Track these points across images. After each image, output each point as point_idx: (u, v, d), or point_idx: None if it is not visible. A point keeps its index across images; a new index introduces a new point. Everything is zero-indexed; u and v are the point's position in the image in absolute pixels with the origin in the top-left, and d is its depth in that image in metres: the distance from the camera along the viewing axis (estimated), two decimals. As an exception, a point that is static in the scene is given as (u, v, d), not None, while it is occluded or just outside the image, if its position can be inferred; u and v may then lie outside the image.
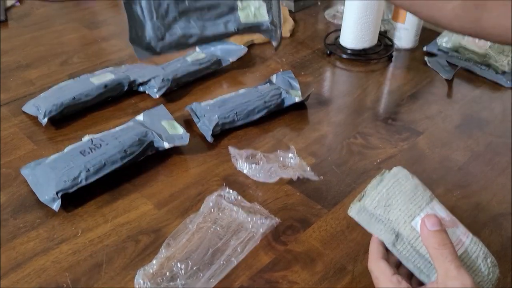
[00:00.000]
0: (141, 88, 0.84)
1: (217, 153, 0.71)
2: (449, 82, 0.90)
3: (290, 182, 0.66)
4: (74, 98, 0.76)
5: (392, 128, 0.78)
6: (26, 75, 0.89)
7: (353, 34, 0.96)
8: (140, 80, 0.82)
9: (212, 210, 0.59)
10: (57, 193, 0.60)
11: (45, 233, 0.58)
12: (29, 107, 0.78)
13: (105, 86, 0.80)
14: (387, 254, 0.46)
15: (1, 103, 0.81)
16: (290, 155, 0.69)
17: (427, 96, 0.86)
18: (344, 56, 0.98)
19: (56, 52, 0.97)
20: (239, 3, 0.52)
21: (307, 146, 0.73)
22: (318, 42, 1.03)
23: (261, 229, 0.57)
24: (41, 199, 0.61)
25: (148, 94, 0.83)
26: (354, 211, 0.46)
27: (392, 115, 0.81)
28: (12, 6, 1.17)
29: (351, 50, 0.98)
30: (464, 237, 0.43)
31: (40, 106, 0.75)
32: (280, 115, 0.80)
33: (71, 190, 0.61)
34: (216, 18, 0.52)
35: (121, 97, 0.83)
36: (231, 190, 0.62)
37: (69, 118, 0.77)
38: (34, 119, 0.77)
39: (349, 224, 0.60)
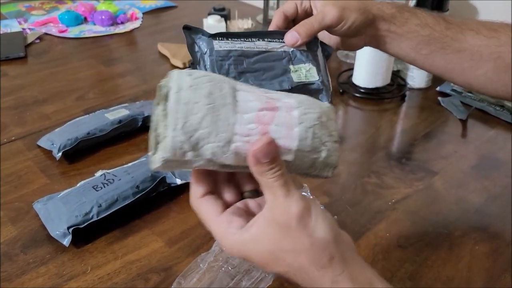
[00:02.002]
0: (155, 124, 0.84)
1: (230, 190, 0.71)
2: (464, 122, 0.90)
3: (303, 221, 0.65)
4: (88, 133, 0.77)
5: (406, 167, 0.77)
6: (42, 110, 0.91)
7: (366, 73, 0.97)
8: (154, 116, 0.83)
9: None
10: (68, 228, 0.59)
11: (54, 269, 0.58)
12: (44, 142, 0.78)
13: (120, 121, 0.80)
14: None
15: (17, 137, 0.82)
16: (304, 193, 0.68)
17: (441, 136, 0.86)
18: (357, 94, 0.98)
19: (72, 88, 0.99)
20: (291, 67, 0.56)
21: (321, 184, 0.72)
22: (331, 81, 1.04)
23: (273, 269, 0.56)
24: (52, 234, 0.60)
25: (161, 130, 0.83)
26: (158, 161, 0.36)
27: (406, 154, 0.81)
28: (32, 42, 1.20)
29: (364, 89, 0.99)
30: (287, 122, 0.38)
31: (55, 140, 0.76)
32: (293, 153, 0.79)
33: (82, 226, 0.60)
34: (271, 79, 0.56)
35: (134, 133, 0.83)
36: (243, 229, 0.61)
37: (82, 153, 0.77)
38: (48, 153, 0.77)
39: (364, 266, 0.58)
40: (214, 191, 0.41)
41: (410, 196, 0.70)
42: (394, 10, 0.59)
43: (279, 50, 0.58)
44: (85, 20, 1.33)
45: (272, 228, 0.37)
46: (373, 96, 0.98)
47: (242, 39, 0.57)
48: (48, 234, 0.61)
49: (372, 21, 0.58)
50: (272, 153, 0.37)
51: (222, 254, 0.57)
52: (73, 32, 1.27)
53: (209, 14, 1.18)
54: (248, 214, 0.40)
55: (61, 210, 0.61)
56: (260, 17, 1.32)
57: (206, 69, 0.55)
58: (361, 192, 0.71)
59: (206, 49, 0.56)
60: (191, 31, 0.57)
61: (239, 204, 0.41)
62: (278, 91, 0.44)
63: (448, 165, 0.78)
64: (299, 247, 0.36)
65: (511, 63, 0.54)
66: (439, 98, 0.97)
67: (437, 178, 0.75)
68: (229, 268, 0.56)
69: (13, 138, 0.82)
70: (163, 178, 0.68)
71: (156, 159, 0.36)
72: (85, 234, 0.61)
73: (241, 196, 0.42)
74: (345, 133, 0.88)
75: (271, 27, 0.60)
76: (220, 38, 0.56)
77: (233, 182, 0.43)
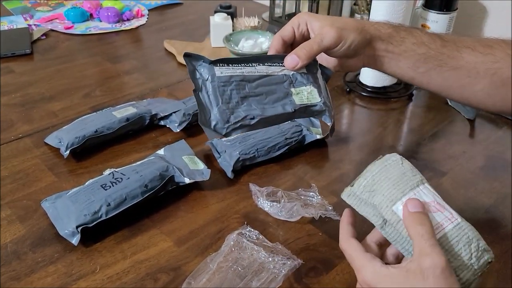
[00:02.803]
0: (162, 122, 0.84)
1: (238, 190, 0.71)
2: (471, 122, 0.89)
3: (312, 221, 0.65)
4: (96, 131, 0.77)
5: (414, 167, 0.76)
6: (49, 107, 0.91)
7: (373, 72, 0.96)
8: (161, 114, 0.83)
9: (233, 249, 0.58)
10: (77, 227, 0.59)
11: (63, 268, 0.58)
12: (52, 139, 0.78)
13: (127, 119, 0.80)
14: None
15: (24, 134, 0.82)
16: (312, 193, 0.68)
17: (449, 135, 0.85)
18: (364, 94, 0.98)
19: (79, 85, 0.99)
20: (292, 90, 0.58)
21: (329, 184, 0.72)
22: (338, 80, 1.03)
23: (283, 270, 0.56)
24: (61, 233, 0.60)
25: (169, 128, 0.83)
26: (345, 194, 0.49)
27: (414, 154, 0.80)
28: (38, 39, 1.20)
29: (371, 88, 0.98)
30: (447, 222, 0.44)
31: (63, 138, 0.75)
32: (300, 152, 0.79)
33: (91, 225, 0.60)
34: (274, 102, 0.58)
35: (142, 131, 0.83)
36: (252, 229, 0.61)
37: (90, 151, 0.77)
38: (56, 151, 0.77)
39: (374, 267, 0.58)
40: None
41: (419, 196, 0.70)
42: (391, 29, 0.60)
43: (280, 73, 0.59)
44: (91, 16, 1.33)
45: (419, 274, 0.41)
46: (380, 95, 0.98)
47: (242, 64, 0.59)
48: (57, 232, 0.61)
49: (370, 41, 0.59)
50: (424, 209, 0.44)
51: (231, 255, 0.57)
52: (79, 28, 1.27)
53: (216, 11, 1.18)
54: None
55: (69, 209, 0.61)
56: (266, 15, 1.31)
57: (208, 95, 0.56)
58: (369, 192, 0.71)
59: (207, 76, 0.57)
60: (192, 58, 0.58)
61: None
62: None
63: (456, 165, 0.77)
64: None
65: (510, 78, 0.55)
66: (447, 97, 0.96)
67: (446, 178, 0.74)
68: (239, 268, 0.56)
69: (20, 135, 0.82)
70: (172, 177, 0.68)
71: (345, 192, 0.49)
72: (93, 233, 0.61)
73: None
74: (351, 132, 0.88)
75: (270, 52, 0.61)
76: (221, 64, 0.58)
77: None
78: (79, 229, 0.59)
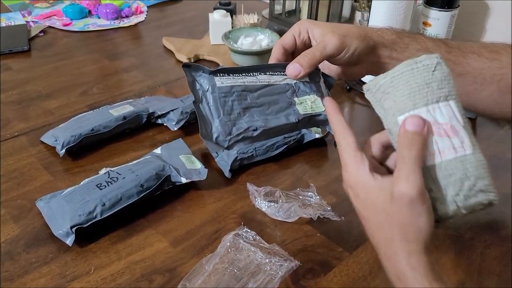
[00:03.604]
0: (159, 121, 0.83)
1: (235, 189, 0.70)
2: (473, 121, 0.88)
3: (310, 221, 0.64)
4: (92, 129, 0.76)
5: (415, 167, 0.76)
6: (46, 105, 0.90)
7: (374, 70, 0.95)
8: (159, 113, 0.82)
9: (229, 250, 0.57)
10: (71, 228, 0.58)
11: (57, 269, 0.57)
12: (48, 138, 0.77)
13: (124, 118, 0.79)
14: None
15: (20, 132, 0.81)
16: (310, 193, 0.67)
17: (450, 135, 0.84)
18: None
19: (77, 83, 0.98)
20: (296, 99, 0.57)
21: (328, 184, 0.71)
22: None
23: (280, 272, 0.55)
24: (55, 233, 0.59)
25: (166, 126, 0.82)
26: (364, 88, 0.45)
27: (415, 153, 0.79)
28: (36, 36, 1.19)
29: (372, 86, 0.97)
30: (449, 151, 0.40)
31: (59, 136, 0.75)
32: (299, 151, 0.78)
33: (85, 225, 0.59)
34: (277, 113, 0.56)
35: (139, 129, 0.82)
36: (249, 230, 0.60)
37: (86, 150, 0.76)
38: (51, 149, 0.76)
39: (372, 270, 0.57)
40: None
41: (419, 197, 0.69)
42: (394, 36, 0.59)
43: (282, 83, 0.58)
44: (89, 13, 1.32)
45: (389, 195, 0.40)
46: (381, 93, 0.97)
47: (243, 74, 0.57)
48: (51, 233, 0.60)
49: (373, 48, 0.58)
50: (423, 131, 0.40)
51: (227, 256, 0.56)
52: (77, 25, 1.26)
53: (215, 8, 1.17)
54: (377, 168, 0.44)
55: (64, 209, 0.60)
56: (266, 12, 1.30)
57: (209, 107, 0.55)
58: (369, 193, 0.70)
59: (207, 86, 0.55)
60: (191, 68, 0.56)
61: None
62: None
63: (457, 165, 0.76)
64: (402, 219, 0.40)
65: None
66: (448, 96, 0.95)
67: (447, 178, 0.73)
68: (235, 270, 0.55)
69: (16, 133, 0.81)
70: (168, 177, 0.67)
71: (365, 85, 0.45)
72: (88, 233, 0.60)
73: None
74: (352, 131, 0.86)
75: (271, 60, 0.60)
76: (221, 74, 0.56)
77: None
78: (74, 229, 0.58)
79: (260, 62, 0.99)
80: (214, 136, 0.54)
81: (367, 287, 0.55)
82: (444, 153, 0.40)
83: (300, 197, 0.67)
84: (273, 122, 0.55)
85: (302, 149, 0.78)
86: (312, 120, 0.58)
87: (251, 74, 0.57)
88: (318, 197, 0.66)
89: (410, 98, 0.41)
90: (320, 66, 0.59)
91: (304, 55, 0.56)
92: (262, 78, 0.57)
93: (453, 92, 0.41)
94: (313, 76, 0.59)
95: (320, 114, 0.57)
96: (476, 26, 1.08)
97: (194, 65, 0.55)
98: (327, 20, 1.17)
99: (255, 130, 0.55)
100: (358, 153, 0.43)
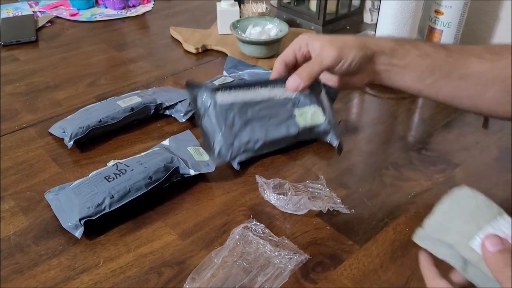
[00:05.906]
0: (167, 112, 0.83)
1: (244, 181, 0.69)
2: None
3: (320, 214, 0.63)
4: (100, 121, 0.75)
5: (426, 158, 0.75)
6: (53, 96, 0.89)
7: (384, 60, 0.94)
8: (166, 104, 0.81)
9: (239, 243, 0.57)
10: (80, 220, 0.58)
11: (66, 261, 0.57)
12: (56, 129, 0.77)
13: (132, 109, 0.79)
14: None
15: (28, 124, 0.81)
16: (319, 186, 0.66)
17: (462, 126, 0.83)
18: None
19: (84, 73, 0.98)
20: (296, 111, 0.59)
21: (337, 176, 0.70)
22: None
23: (289, 265, 0.54)
24: (64, 226, 0.59)
25: (174, 118, 0.82)
26: (417, 238, 0.45)
27: (426, 145, 0.78)
28: (43, 26, 1.18)
29: (382, 76, 0.96)
30: None
31: (67, 128, 0.74)
32: (308, 143, 0.77)
33: (94, 217, 0.59)
34: (277, 125, 0.58)
35: (147, 121, 0.82)
36: (258, 222, 0.60)
37: (94, 141, 0.76)
38: (60, 141, 0.76)
39: (383, 263, 0.57)
40: None
41: (430, 189, 0.68)
42: (393, 43, 0.59)
43: (283, 96, 0.59)
44: (96, 3, 1.31)
45: None
46: (391, 83, 0.95)
47: (244, 89, 0.58)
48: (60, 225, 0.60)
49: (372, 57, 0.58)
50: (505, 246, 0.39)
51: (236, 249, 0.56)
52: (85, 15, 1.25)
53: (223, -3, 1.15)
54: None
55: (73, 201, 0.60)
56: (274, 1, 1.28)
57: (211, 122, 0.57)
58: (379, 185, 0.69)
59: (209, 103, 0.57)
60: (193, 86, 0.57)
61: None
62: None
63: (469, 157, 0.75)
64: None
65: None
66: (460, 86, 0.93)
67: (459, 170, 0.72)
68: (244, 263, 0.54)
69: (24, 125, 0.81)
70: (177, 169, 0.66)
71: (417, 234, 0.45)
72: (97, 225, 0.60)
73: None
74: (361, 122, 0.86)
75: (273, 75, 0.61)
76: (222, 90, 0.57)
77: None
78: (82, 221, 0.58)
79: (269, 51, 0.98)
80: (217, 149, 0.56)
81: (378, 280, 0.55)
82: None
83: (310, 189, 0.66)
84: (273, 133, 0.57)
85: (311, 141, 0.77)
86: (313, 131, 0.60)
87: (252, 88, 0.59)
88: (327, 189, 0.66)
89: (470, 223, 0.41)
90: (322, 78, 0.60)
91: (303, 68, 0.57)
92: (263, 92, 0.59)
93: (500, 207, 0.42)
94: (314, 88, 0.60)
95: (321, 125, 0.59)
96: (489, 14, 1.06)
97: (196, 84, 0.57)
98: (337, 8, 1.15)
99: (256, 142, 0.58)
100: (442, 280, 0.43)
